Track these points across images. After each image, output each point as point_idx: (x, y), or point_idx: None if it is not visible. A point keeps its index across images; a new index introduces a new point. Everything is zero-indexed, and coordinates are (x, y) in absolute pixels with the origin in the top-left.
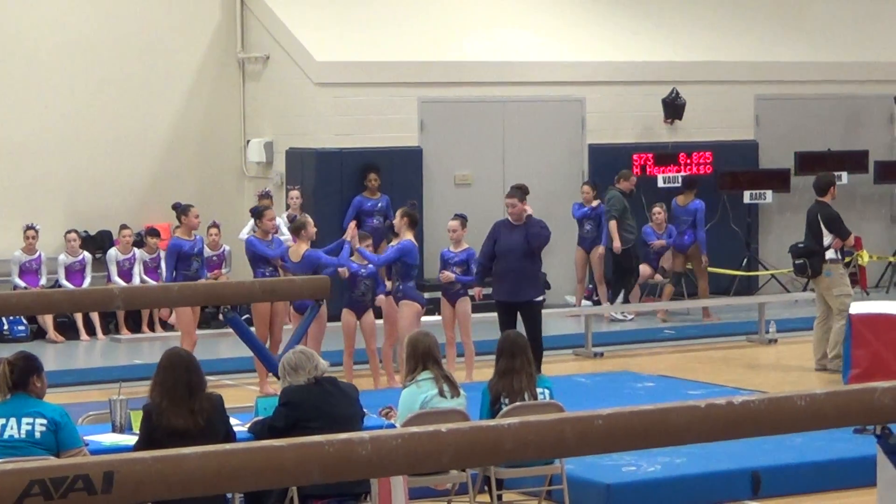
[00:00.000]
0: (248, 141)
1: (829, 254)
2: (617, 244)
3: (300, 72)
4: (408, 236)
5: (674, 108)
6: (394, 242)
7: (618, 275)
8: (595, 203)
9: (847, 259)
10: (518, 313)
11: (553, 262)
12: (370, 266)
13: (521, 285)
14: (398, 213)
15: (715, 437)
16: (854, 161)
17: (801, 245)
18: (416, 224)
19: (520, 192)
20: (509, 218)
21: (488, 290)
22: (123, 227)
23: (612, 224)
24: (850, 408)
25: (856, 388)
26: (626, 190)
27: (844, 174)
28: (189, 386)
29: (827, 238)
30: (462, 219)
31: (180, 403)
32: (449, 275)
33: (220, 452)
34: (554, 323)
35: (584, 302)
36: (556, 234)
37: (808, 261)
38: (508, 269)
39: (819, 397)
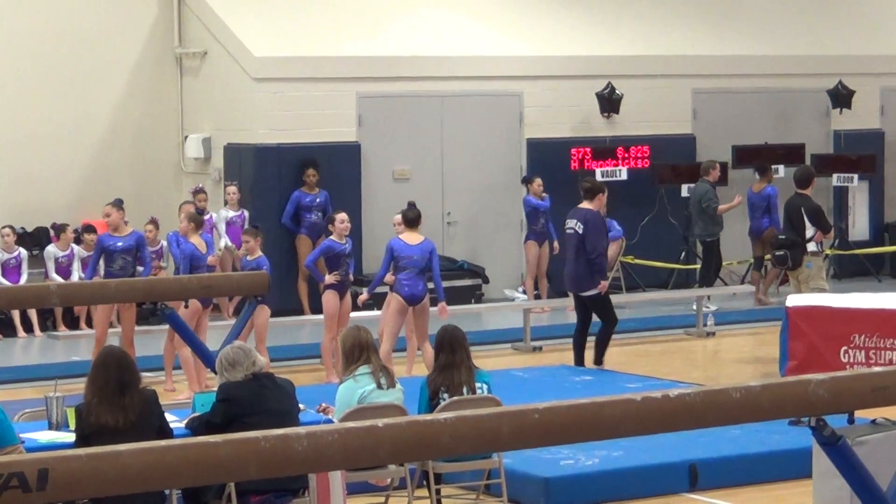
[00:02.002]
0: (186, 136)
1: (811, 246)
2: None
3: (238, 67)
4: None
5: (610, 102)
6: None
7: (706, 265)
8: (545, 196)
9: (827, 251)
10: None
11: (493, 255)
12: (247, 261)
13: None
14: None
15: (651, 430)
16: (791, 154)
17: (781, 237)
18: (410, 223)
19: None
20: (598, 210)
21: None
22: (65, 225)
23: (721, 208)
24: (786, 400)
25: (791, 381)
26: (713, 181)
27: (781, 167)
28: (120, 383)
29: (809, 230)
30: None
31: (111, 400)
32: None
33: (157, 449)
34: (492, 317)
35: (519, 296)
36: (495, 229)
37: (790, 252)
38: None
39: (754, 390)
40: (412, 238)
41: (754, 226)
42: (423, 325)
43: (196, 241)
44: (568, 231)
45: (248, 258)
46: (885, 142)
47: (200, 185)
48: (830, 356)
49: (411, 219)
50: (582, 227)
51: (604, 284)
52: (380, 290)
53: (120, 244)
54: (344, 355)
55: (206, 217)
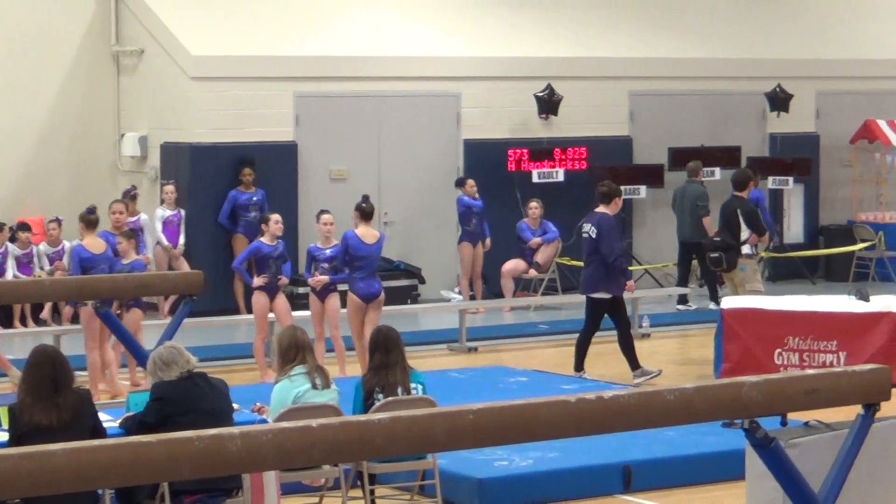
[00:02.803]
0: (123, 135)
1: (745, 248)
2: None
3: (175, 66)
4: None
5: (549, 103)
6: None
7: (706, 268)
8: (478, 198)
9: (762, 254)
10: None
11: (430, 256)
12: (122, 264)
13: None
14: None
15: (585, 432)
16: (727, 157)
17: (716, 239)
18: (367, 216)
19: None
20: (613, 214)
21: None
22: (1, 224)
23: (707, 220)
24: (719, 402)
25: (724, 383)
26: (701, 182)
27: (717, 170)
28: (55, 382)
29: (744, 233)
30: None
31: (45, 399)
32: (322, 278)
33: (89, 448)
34: (428, 317)
35: (455, 296)
36: (432, 229)
37: (724, 255)
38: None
39: (688, 392)
40: (368, 235)
41: None
42: (376, 320)
43: (88, 241)
44: (583, 235)
45: (123, 261)
46: (821, 145)
47: (132, 187)
48: (765, 358)
49: (368, 212)
50: (596, 231)
51: (630, 284)
52: (304, 290)
53: None
54: (280, 355)
55: (136, 218)
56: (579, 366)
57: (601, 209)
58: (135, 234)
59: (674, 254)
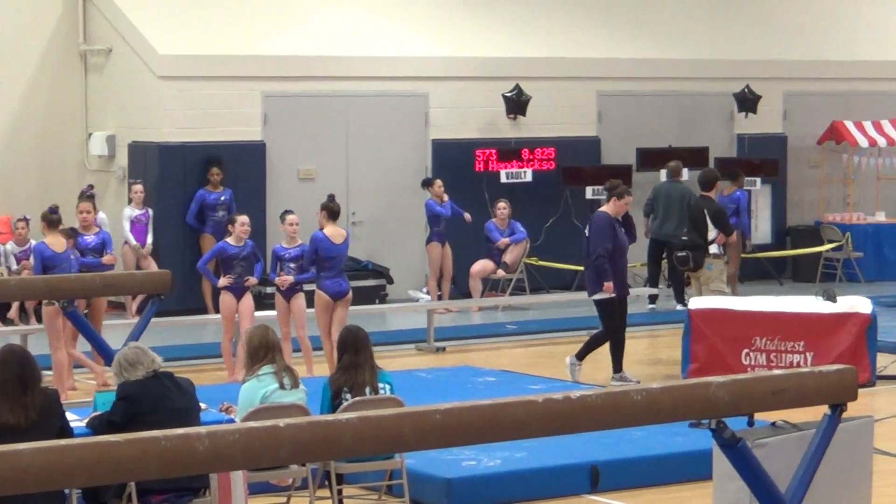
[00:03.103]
0: (91, 134)
1: (713, 248)
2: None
3: (143, 65)
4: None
5: (518, 104)
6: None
7: (674, 268)
8: (446, 202)
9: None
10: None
11: (397, 256)
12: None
13: (626, 281)
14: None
15: (552, 432)
16: (695, 158)
17: (684, 238)
18: (334, 216)
19: None
20: (612, 214)
21: None
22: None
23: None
24: (686, 402)
25: (691, 383)
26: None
27: (685, 171)
28: (22, 381)
29: (711, 232)
30: None
31: (12, 399)
32: (287, 278)
33: (56, 448)
34: (396, 317)
35: (423, 296)
36: (400, 229)
37: (692, 254)
38: (623, 265)
39: (655, 392)
40: (336, 234)
41: None
42: (343, 318)
43: (50, 240)
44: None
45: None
46: (788, 146)
47: (88, 187)
48: (732, 359)
49: (336, 211)
50: (588, 229)
51: (608, 286)
52: (270, 290)
53: None
54: (249, 354)
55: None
56: (581, 355)
57: (603, 207)
58: (74, 232)
59: (642, 254)
